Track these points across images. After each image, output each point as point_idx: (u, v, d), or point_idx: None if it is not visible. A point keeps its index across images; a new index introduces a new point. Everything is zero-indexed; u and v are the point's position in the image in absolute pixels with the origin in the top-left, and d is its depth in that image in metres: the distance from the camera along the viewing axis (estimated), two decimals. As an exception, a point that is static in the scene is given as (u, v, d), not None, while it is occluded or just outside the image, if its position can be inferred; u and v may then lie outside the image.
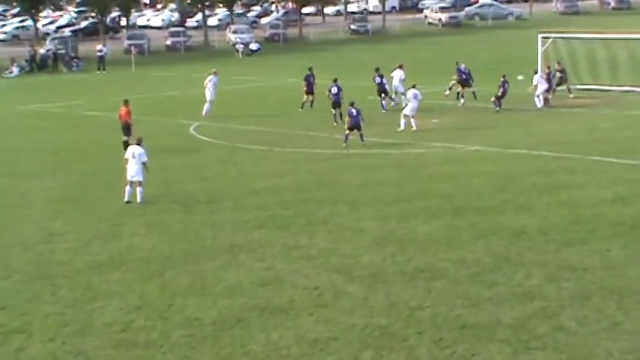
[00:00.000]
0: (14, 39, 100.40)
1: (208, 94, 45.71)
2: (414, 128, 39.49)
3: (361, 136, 36.32)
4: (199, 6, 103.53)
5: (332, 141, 37.94)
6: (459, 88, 46.62)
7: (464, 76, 46.31)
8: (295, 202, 27.65)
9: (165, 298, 19.60)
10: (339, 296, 19.37)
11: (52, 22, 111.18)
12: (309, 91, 46.79)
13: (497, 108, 44.75)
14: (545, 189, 28.14)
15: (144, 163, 27.99)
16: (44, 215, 27.14)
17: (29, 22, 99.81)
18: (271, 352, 16.74)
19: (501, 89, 44.82)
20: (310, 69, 47.90)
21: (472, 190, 28.57)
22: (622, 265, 20.80)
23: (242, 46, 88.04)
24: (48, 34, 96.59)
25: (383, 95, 45.69)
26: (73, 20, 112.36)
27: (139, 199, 27.87)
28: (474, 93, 47.12)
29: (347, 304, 18.87)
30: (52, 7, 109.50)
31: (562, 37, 54.58)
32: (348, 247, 22.87)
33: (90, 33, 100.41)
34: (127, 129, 36.66)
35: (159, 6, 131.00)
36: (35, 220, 26.62)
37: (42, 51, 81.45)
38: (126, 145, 35.10)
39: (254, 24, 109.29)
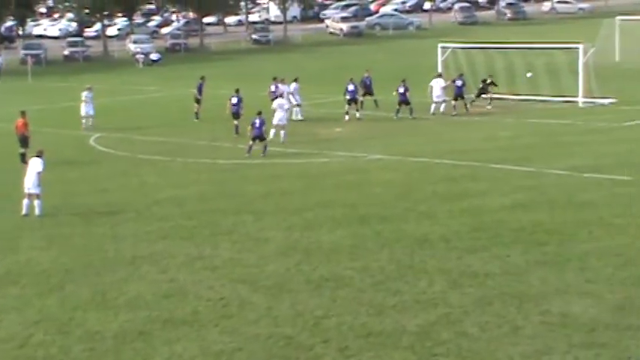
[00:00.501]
0: None
1: (83, 109, 45.45)
2: (282, 139, 39.20)
3: (265, 147, 36.17)
4: (98, 16, 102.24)
5: (235, 151, 37.82)
6: (347, 107, 45.99)
7: (348, 96, 45.72)
8: (199, 212, 27.46)
9: (66, 312, 19.23)
10: (243, 306, 19.29)
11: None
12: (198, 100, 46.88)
13: (398, 115, 45.16)
14: (447, 197, 28.51)
15: (38, 174, 27.41)
16: (-63, 230, 26.39)
17: None
18: (175, 365, 16.57)
19: (396, 93, 45.42)
20: (202, 78, 47.87)
21: (376, 198, 28.78)
22: (522, 270, 21.19)
23: (142, 56, 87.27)
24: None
25: None
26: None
27: (37, 212, 27.31)
28: (375, 102, 47.51)
29: (251, 315, 18.79)
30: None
31: (461, 47, 55.57)
32: (253, 257, 22.80)
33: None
34: (24, 141, 35.97)
35: (56, 15, 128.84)
36: None
37: None
38: (23, 157, 34.43)
39: (154, 34, 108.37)
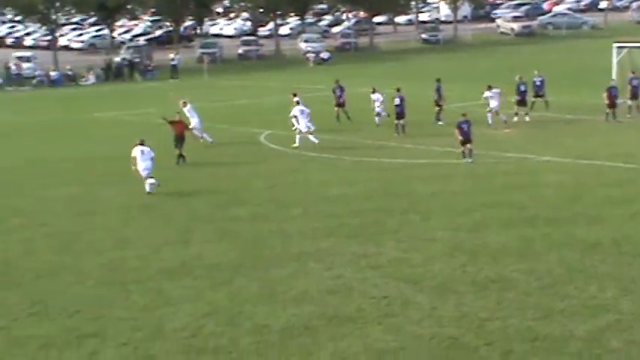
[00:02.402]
0: (91, 47, 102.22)
1: (192, 121, 40.56)
2: (297, 144, 39.24)
3: (470, 150, 34.72)
4: (271, 15, 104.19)
5: (402, 150, 37.79)
6: (516, 107, 44.98)
7: (519, 97, 44.78)
8: (365, 211, 27.57)
9: (235, 305, 19.67)
10: (407, 306, 19.25)
11: (127, 31, 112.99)
12: (339, 104, 46.11)
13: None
14: (619, 201, 27.63)
15: (153, 159, 31.16)
16: (116, 221, 27.49)
17: (105, 32, 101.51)
18: (339, 361, 16.69)
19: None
20: (337, 81, 47.41)
21: (544, 200, 28.20)
22: (698, 278, 20.31)
23: (313, 55, 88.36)
24: (123, 42, 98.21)
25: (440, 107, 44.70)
26: (148, 29, 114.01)
27: (148, 189, 30.61)
28: (546, 103, 46.52)
29: (415, 314, 18.74)
30: (128, 17, 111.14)
31: (638, 47, 53.64)
32: (418, 256, 22.72)
33: (164, 42, 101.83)
34: (180, 140, 36.07)
35: (231, 15, 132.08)
36: (107, 226, 26.98)
37: (117, 59, 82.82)
38: (179, 157, 35.24)
39: (325, 33, 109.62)
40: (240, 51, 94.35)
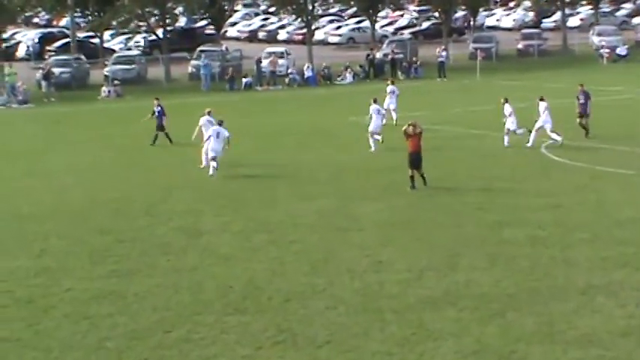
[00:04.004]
0: (349, 42, 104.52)
1: (205, 136, 38.65)
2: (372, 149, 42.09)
3: None
4: (558, 4, 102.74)
5: None
6: None
7: None
8: (666, 237, 26.70)
9: (507, 343, 19.54)
10: None
11: (390, 24, 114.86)
12: (582, 114, 44.21)
13: None
14: None
15: (224, 140, 36.88)
16: (373, 241, 27.94)
17: (366, 24, 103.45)
18: (631, 417, 16.26)
19: None
20: (582, 85, 45.25)
21: None
22: None
23: (607, 50, 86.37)
24: (386, 36, 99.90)
25: None
26: (414, 21, 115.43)
27: (211, 172, 36.55)
28: None
29: None
30: (392, 7, 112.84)
31: None
32: None
33: (431, 35, 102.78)
34: (417, 159, 33.65)
35: (511, 4, 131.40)
36: (364, 245, 27.45)
37: (378, 55, 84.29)
38: (412, 180, 33.75)
39: (623, 25, 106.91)
40: (519, 46, 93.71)
